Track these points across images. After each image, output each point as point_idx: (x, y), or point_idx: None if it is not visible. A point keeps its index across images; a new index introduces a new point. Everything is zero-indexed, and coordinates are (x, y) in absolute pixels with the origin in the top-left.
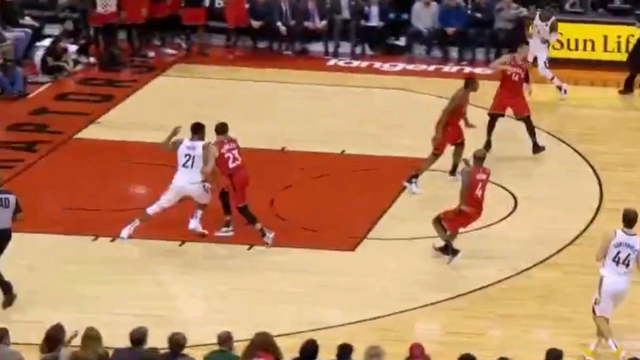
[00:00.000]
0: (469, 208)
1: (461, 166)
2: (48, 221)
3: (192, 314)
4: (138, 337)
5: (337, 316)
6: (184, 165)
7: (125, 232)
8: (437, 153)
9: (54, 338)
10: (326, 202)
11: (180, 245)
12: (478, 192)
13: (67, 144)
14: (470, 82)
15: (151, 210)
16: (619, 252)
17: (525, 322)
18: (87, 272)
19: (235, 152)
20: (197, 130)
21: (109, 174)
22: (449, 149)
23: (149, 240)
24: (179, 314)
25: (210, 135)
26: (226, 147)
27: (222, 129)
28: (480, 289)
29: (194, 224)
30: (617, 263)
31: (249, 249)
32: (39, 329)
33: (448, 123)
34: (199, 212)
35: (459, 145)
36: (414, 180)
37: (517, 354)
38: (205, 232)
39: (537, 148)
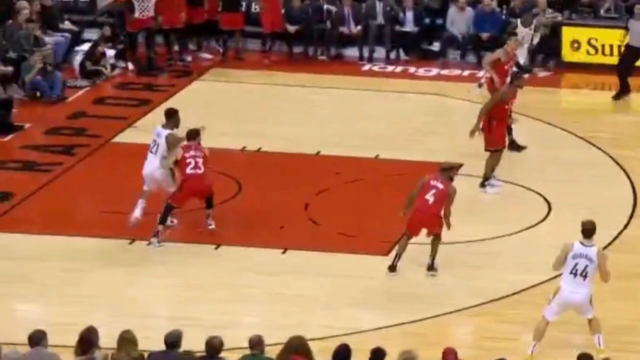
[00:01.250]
0: (413, 212)
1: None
2: (85, 224)
3: (225, 317)
4: (172, 340)
5: (370, 320)
6: (150, 150)
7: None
8: (493, 149)
9: (87, 340)
10: (360, 206)
11: (215, 249)
12: (429, 197)
13: (105, 148)
14: (516, 77)
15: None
16: (576, 264)
17: (557, 327)
18: (123, 275)
19: (200, 160)
20: (170, 116)
21: None
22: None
23: (184, 244)
24: (213, 318)
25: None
26: (191, 152)
27: (192, 135)
28: (513, 294)
29: (137, 212)
30: (575, 275)
31: (283, 252)
32: (76, 331)
33: (493, 118)
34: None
35: (499, 151)
36: (486, 183)
37: (549, 359)
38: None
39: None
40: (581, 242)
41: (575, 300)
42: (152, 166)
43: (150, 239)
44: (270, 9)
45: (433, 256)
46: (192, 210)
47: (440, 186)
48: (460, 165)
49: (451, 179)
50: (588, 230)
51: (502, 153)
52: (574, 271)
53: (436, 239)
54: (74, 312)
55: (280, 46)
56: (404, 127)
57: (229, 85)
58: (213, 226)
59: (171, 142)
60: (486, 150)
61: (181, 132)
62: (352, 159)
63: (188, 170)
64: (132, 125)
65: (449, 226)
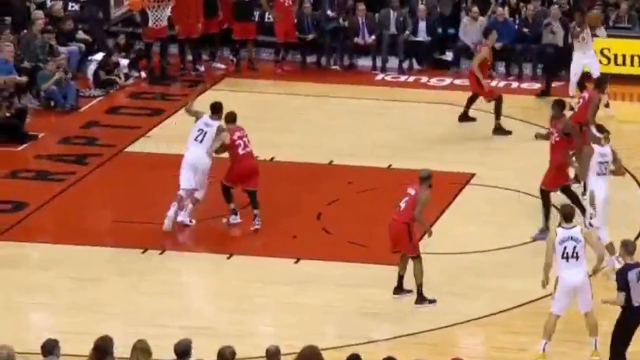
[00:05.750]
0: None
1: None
2: (98, 234)
3: (238, 326)
4: (183, 349)
5: (382, 330)
6: (195, 139)
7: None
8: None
9: (102, 349)
10: (373, 216)
11: (228, 258)
12: (401, 204)
13: (118, 157)
14: (604, 81)
15: (199, 194)
16: (565, 248)
17: (568, 337)
18: (136, 285)
19: (245, 139)
20: (217, 110)
21: (159, 187)
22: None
23: (197, 253)
24: (226, 327)
25: None
26: (237, 134)
27: (231, 117)
28: (522, 305)
29: (183, 216)
30: (567, 259)
31: (295, 262)
32: (89, 340)
33: (583, 124)
34: (190, 206)
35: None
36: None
37: None
38: (193, 221)
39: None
40: (563, 227)
41: (576, 281)
42: (196, 154)
43: (228, 217)
44: (283, 19)
45: (400, 276)
46: (205, 220)
47: (412, 192)
48: (472, 175)
49: (430, 187)
50: (568, 214)
51: None
52: (565, 255)
53: (412, 260)
54: (87, 321)
55: (294, 56)
56: (417, 137)
57: (242, 95)
58: (259, 226)
59: (221, 136)
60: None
61: None
62: (365, 168)
63: (240, 152)
64: (145, 135)
65: (425, 230)
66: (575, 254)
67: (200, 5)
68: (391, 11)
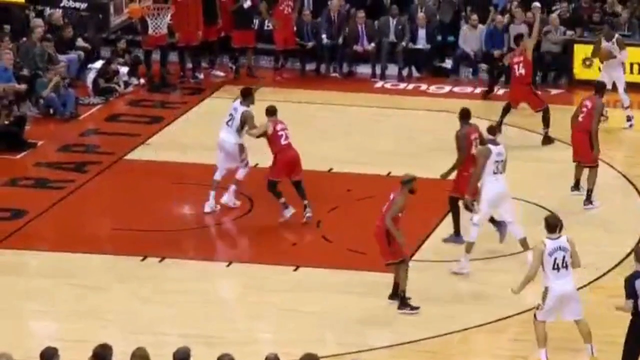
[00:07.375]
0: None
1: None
2: (98, 241)
3: (237, 334)
4: (182, 357)
5: (381, 338)
6: (226, 123)
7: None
8: (595, 165)
9: (101, 357)
10: (372, 224)
11: (227, 266)
12: (383, 208)
13: (117, 165)
14: (602, 88)
15: (240, 175)
16: (555, 259)
17: (569, 345)
18: (135, 292)
19: (287, 132)
20: (246, 95)
21: (159, 194)
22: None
23: (196, 262)
24: (225, 335)
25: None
26: (280, 126)
27: (272, 110)
28: (523, 312)
29: (227, 197)
30: (558, 269)
31: (295, 269)
32: (88, 348)
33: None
34: (233, 187)
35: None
36: (591, 199)
37: None
38: (237, 203)
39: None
40: (549, 238)
41: (567, 290)
42: (225, 136)
43: (282, 212)
44: (282, 26)
45: (395, 283)
46: (205, 227)
47: (392, 196)
48: None
49: (412, 192)
50: (552, 224)
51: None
52: (555, 266)
53: (397, 268)
54: (86, 328)
55: (293, 63)
56: (416, 144)
57: None
58: (310, 214)
59: (247, 118)
60: (586, 166)
61: None
62: (364, 176)
63: (282, 142)
64: (144, 143)
65: (395, 236)
66: (564, 264)
67: (200, 13)
68: (390, 19)
